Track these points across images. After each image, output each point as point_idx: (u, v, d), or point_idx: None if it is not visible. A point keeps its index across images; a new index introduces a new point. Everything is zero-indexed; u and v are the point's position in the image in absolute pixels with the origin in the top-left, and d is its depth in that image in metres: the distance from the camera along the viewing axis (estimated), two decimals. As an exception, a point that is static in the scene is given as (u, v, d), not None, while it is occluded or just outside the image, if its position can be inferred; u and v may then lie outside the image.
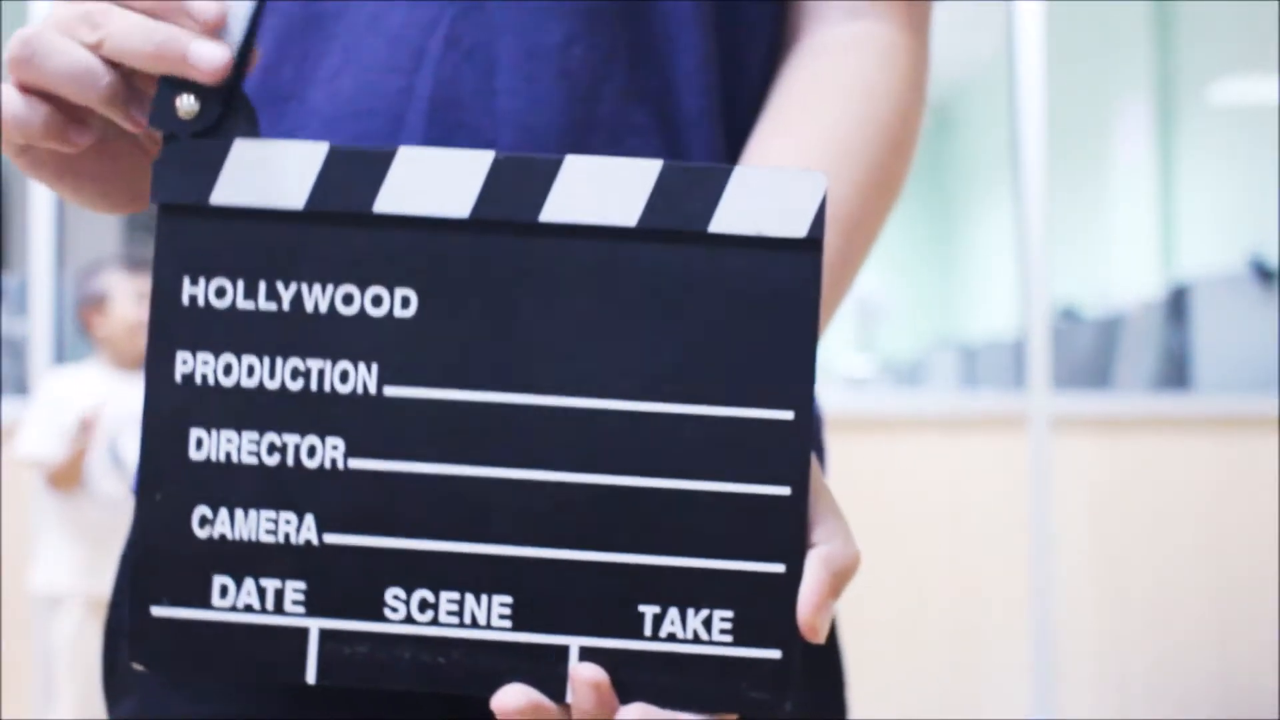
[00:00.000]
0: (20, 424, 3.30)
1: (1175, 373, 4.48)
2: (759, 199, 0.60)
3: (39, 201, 3.62)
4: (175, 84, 0.60)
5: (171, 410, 0.60)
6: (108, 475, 3.24)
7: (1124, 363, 4.76)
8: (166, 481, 0.60)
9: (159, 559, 0.60)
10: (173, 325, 0.61)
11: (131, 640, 0.60)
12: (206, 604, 0.60)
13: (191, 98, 0.60)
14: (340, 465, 0.60)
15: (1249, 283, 4.27)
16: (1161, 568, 3.63)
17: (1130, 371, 4.70)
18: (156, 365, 0.61)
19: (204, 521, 0.60)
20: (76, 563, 3.24)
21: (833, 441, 3.26)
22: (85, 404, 3.18)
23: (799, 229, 0.60)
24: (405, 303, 0.60)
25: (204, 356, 0.60)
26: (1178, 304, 4.55)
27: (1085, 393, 4.32)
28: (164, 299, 0.61)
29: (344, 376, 0.60)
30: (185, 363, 0.60)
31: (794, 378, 0.60)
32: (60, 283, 3.64)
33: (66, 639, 3.23)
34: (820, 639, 0.59)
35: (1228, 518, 3.62)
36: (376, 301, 0.60)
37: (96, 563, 3.22)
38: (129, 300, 3.30)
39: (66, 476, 3.20)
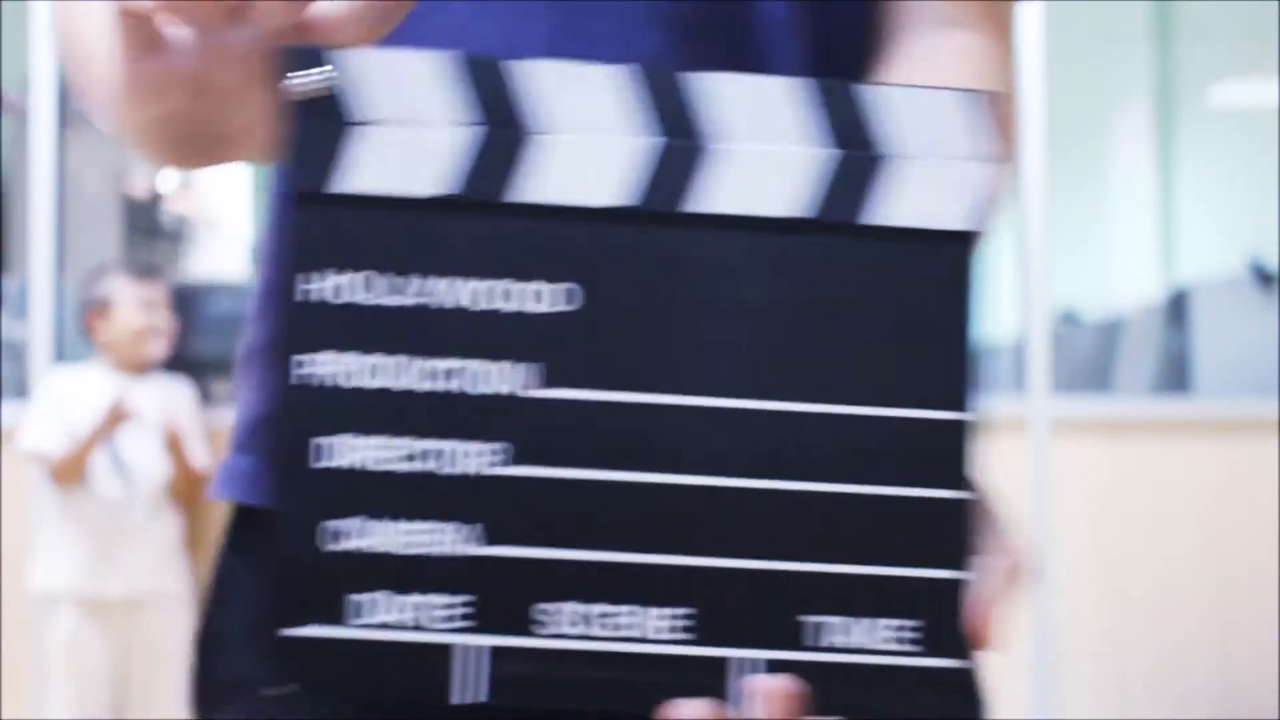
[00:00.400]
0: (20, 427, 3.30)
1: (1175, 376, 4.48)
2: (920, 189, 0.57)
3: (39, 205, 3.62)
4: (302, 57, 0.55)
5: (298, 416, 0.56)
6: (108, 476, 3.24)
7: (1124, 366, 4.76)
8: (295, 494, 0.56)
9: (289, 576, 0.56)
10: (299, 324, 0.56)
11: (264, 663, 0.56)
12: (342, 622, 0.55)
13: (315, 74, 0.55)
14: (493, 472, 0.56)
15: (1249, 286, 4.27)
16: (1161, 570, 3.63)
17: (1130, 375, 4.70)
18: (280, 368, 0.56)
19: (336, 535, 0.55)
20: (74, 562, 3.24)
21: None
22: (116, 395, 3.19)
23: (959, 220, 0.58)
24: (561, 297, 0.56)
25: (337, 357, 0.55)
26: (1178, 307, 4.54)
27: (1085, 396, 4.31)
28: (285, 295, 0.56)
29: (493, 377, 0.56)
30: (314, 364, 0.55)
31: (960, 377, 0.59)
32: (60, 286, 3.64)
33: (63, 639, 3.24)
34: (992, 646, 0.57)
35: (1228, 520, 3.62)
36: (528, 296, 0.56)
37: (95, 563, 3.23)
38: (132, 306, 3.31)
39: (71, 471, 3.21)
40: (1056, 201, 3.76)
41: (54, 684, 3.25)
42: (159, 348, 3.37)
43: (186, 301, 3.68)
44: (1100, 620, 3.62)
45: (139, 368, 3.34)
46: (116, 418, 3.17)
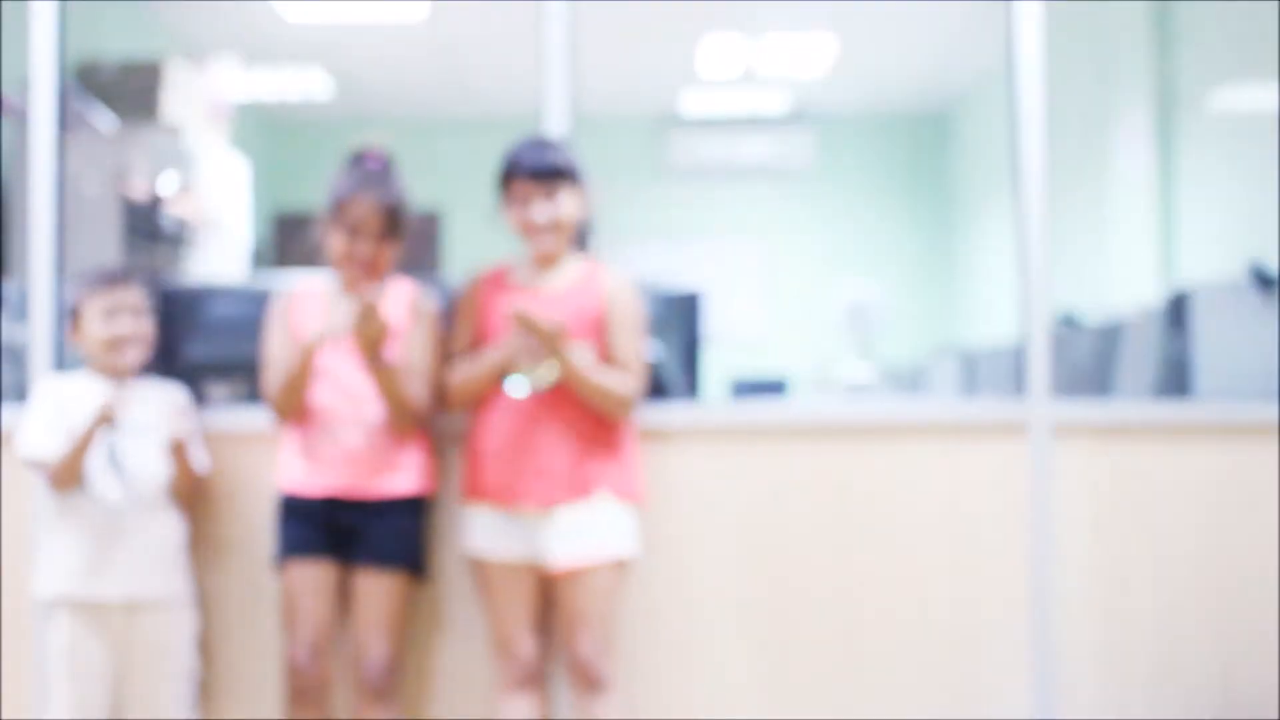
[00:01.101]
0: (19, 428, 3.31)
1: (1175, 380, 4.48)
2: None
3: (39, 208, 3.62)
4: None
5: None
6: (106, 480, 3.24)
7: (1124, 370, 4.75)
8: None
9: None
10: None
11: None
12: None
13: None
14: None
15: (1249, 290, 4.27)
16: (1162, 574, 3.62)
17: (1130, 379, 4.70)
18: None
19: None
20: (72, 566, 3.24)
21: (832, 448, 3.29)
22: (105, 398, 3.18)
23: None
24: None
25: None
26: (1178, 311, 4.54)
27: (1086, 399, 4.31)
28: None
29: None
30: None
31: None
32: (60, 290, 3.64)
33: (62, 642, 3.24)
34: None
35: (1228, 524, 3.61)
36: None
37: (93, 566, 3.23)
38: (96, 317, 3.30)
39: (66, 476, 3.21)
40: (1057, 205, 3.76)
41: (54, 686, 3.25)
42: (132, 355, 3.34)
43: (185, 304, 3.67)
44: (1100, 624, 3.61)
45: (116, 374, 3.33)
46: (105, 419, 3.16)
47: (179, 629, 3.32)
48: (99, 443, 3.22)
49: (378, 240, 3.30)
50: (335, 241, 3.31)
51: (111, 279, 3.33)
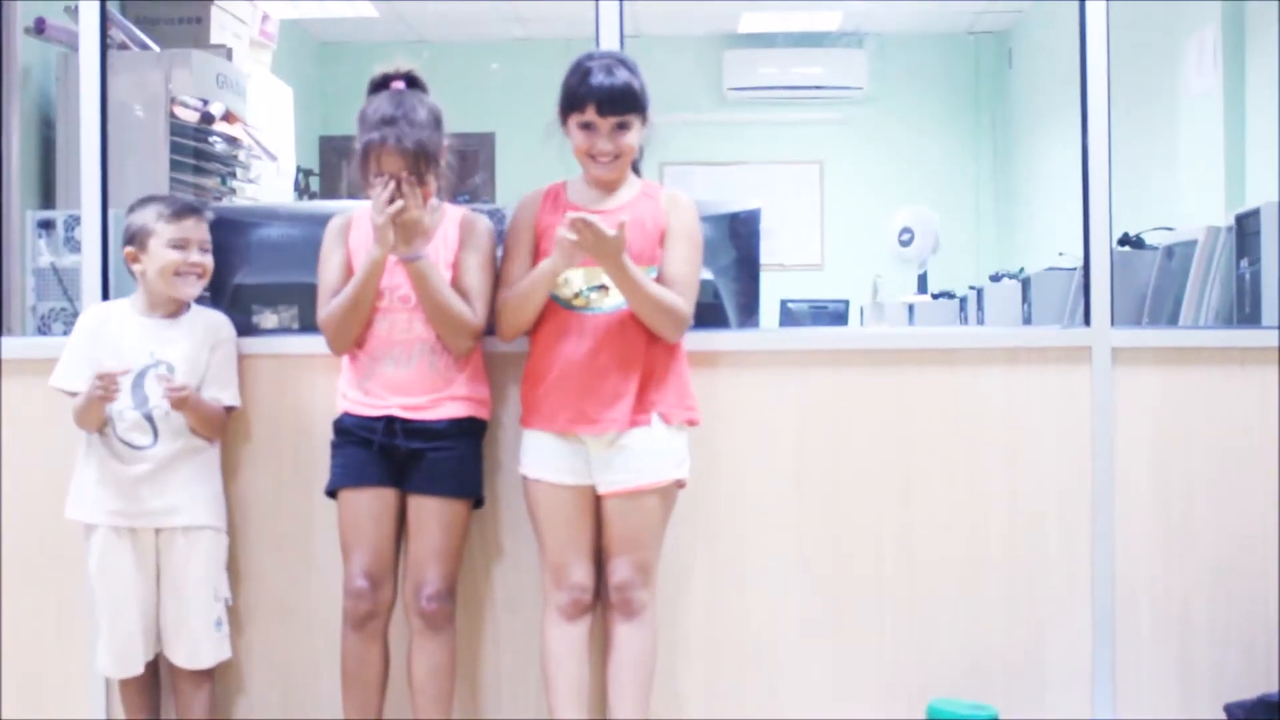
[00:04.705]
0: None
1: (1241, 303, 4.41)
2: None
3: (87, 134, 3.59)
4: None
5: None
6: (130, 417, 3.24)
7: (1189, 293, 4.68)
8: None
9: None
10: None
11: None
12: None
13: None
14: None
15: (1318, 211, 4.20)
16: (1225, 500, 3.56)
17: (1195, 302, 4.63)
18: None
19: None
20: (100, 495, 3.28)
21: (891, 373, 3.21)
22: (112, 366, 3.19)
23: None
24: None
25: None
26: (1244, 233, 4.47)
27: (1148, 325, 4.24)
28: None
29: None
30: None
31: None
32: (106, 220, 3.62)
33: (95, 565, 3.29)
34: None
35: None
36: None
37: (121, 497, 3.25)
38: (164, 244, 3.28)
39: (84, 422, 3.25)
40: (1123, 127, 3.67)
41: (95, 603, 3.32)
42: (191, 288, 3.33)
43: (233, 228, 3.63)
44: (1161, 551, 3.56)
45: (171, 307, 3.32)
46: (108, 391, 3.15)
47: (208, 555, 3.32)
48: (125, 382, 3.23)
49: (407, 183, 3.17)
50: (369, 185, 3.20)
51: (186, 210, 3.32)
